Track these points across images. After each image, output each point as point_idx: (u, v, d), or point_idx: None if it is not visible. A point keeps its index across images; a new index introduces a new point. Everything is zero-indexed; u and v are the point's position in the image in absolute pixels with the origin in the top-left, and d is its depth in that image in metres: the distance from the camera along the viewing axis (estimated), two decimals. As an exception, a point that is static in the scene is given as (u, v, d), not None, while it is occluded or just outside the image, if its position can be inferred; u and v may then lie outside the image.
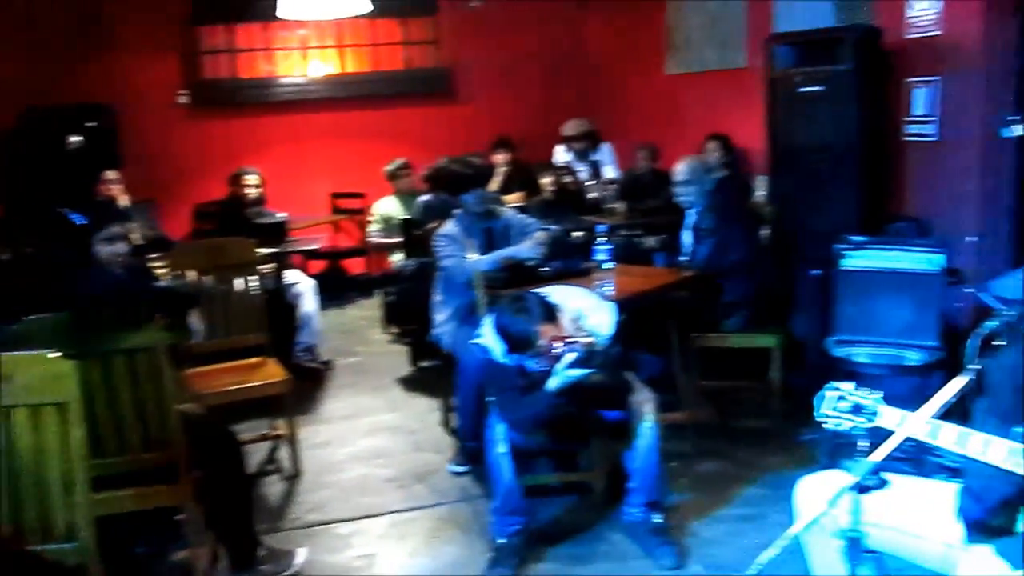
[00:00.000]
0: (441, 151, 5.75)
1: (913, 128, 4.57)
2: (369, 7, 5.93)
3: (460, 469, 3.86)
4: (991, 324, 1.69)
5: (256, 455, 4.06)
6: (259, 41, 7.66)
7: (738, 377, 4.43)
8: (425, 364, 5.30)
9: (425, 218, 5.25)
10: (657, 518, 3.16)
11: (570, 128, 6.91)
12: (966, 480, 1.90)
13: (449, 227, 4.10)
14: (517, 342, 2.88)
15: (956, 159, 4.35)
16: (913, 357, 3.28)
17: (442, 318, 4.15)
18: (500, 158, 7.04)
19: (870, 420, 1.94)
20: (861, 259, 3.50)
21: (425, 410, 4.67)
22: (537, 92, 8.10)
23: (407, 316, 5.40)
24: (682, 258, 4.35)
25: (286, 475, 3.94)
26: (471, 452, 3.80)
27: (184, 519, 2.96)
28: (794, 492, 2.20)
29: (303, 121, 7.67)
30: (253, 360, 4.03)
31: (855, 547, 1.70)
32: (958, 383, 1.68)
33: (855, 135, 4.31)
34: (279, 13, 6.00)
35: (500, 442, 3.02)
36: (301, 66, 7.77)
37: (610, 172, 6.86)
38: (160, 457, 2.74)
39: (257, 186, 5.61)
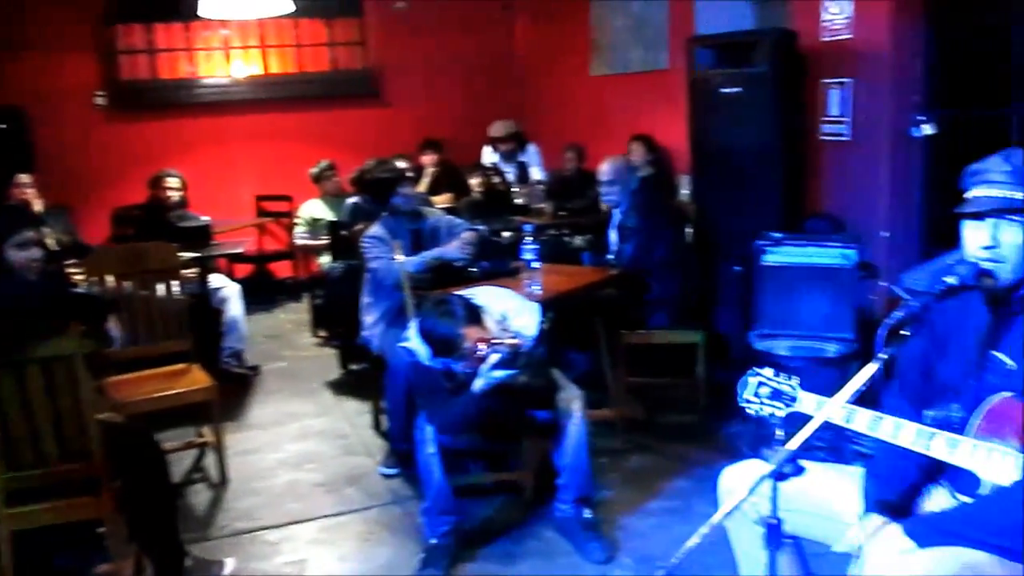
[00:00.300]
0: (368, 153, 5.69)
1: (828, 128, 4.72)
2: (292, 7, 5.85)
3: (391, 471, 3.85)
4: (898, 314, 1.76)
5: (182, 463, 3.98)
6: (180, 41, 7.49)
7: (665, 373, 4.52)
8: (355, 367, 5.27)
9: (352, 220, 5.22)
10: (587, 513, 3.20)
11: (496, 129, 6.96)
12: (875, 462, 1.98)
13: (376, 229, 4.08)
14: (442, 345, 2.88)
15: (868, 158, 4.51)
16: (831, 349, 3.40)
17: (371, 320, 4.12)
18: (428, 159, 7.04)
19: (789, 405, 2.02)
20: (779, 255, 3.60)
21: (355, 413, 4.64)
22: (464, 93, 8.12)
23: (335, 319, 5.37)
24: (608, 257, 4.41)
25: (213, 483, 3.86)
26: (402, 454, 3.79)
27: (106, 531, 2.88)
28: (718, 482, 2.25)
29: (226, 123, 7.53)
30: (177, 367, 3.94)
31: (774, 533, 1.74)
32: (869, 370, 1.75)
33: (773, 135, 4.43)
34: (200, 12, 5.88)
35: (429, 443, 3.02)
36: (224, 67, 7.63)
37: (536, 173, 6.92)
38: (79, 468, 2.66)
39: (179, 189, 5.48)
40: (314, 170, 6.47)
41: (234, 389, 4.94)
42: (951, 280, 1.80)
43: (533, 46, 8.24)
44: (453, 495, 3.12)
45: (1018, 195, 1.75)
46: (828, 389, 1.98)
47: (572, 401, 3.16)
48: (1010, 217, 1.76)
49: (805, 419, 1.83)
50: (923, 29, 4.32)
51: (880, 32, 4.39)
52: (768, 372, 2.09)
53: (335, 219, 5.90)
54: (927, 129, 4.32)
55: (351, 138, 7.47)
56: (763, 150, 4.46)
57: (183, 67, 7.53)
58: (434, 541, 3.07)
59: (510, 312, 3.09)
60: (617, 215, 4.40)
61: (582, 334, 4.26)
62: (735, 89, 4.56)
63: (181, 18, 7.25)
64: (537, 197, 6.22)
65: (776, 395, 2.05)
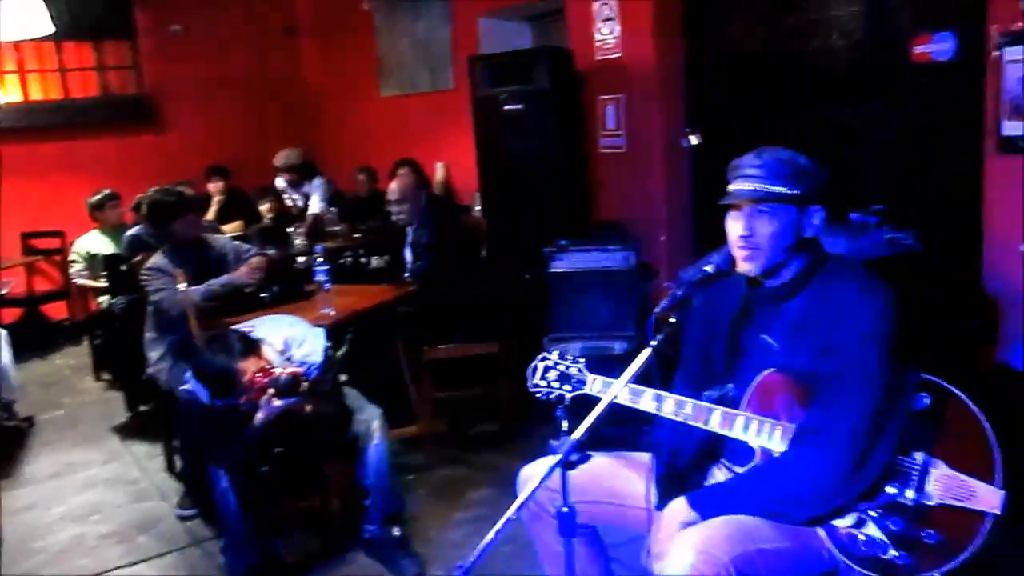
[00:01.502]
0: (147, 183, 5.36)
1: (606, 141, 4.99)
2: (51, 29, 5.44)
3: (188, 513, 3.64)
4: (664, 303, 1.88)
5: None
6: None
7: (468, 385, 4.57)
8: (143, 408, 4.95)
9: (132, 252, 4.92)
10: (396, 531, 3.17)
11: (279, 159, 6.88)
12: (660, 439, 2.09)
13: (157, 259, 3.86)
14: (218, 384, 2.73)
15: (643, 168, 4.80)
16: (617, 347, 3.57)
17: (156, 356, 3.89)
18: (214, 187, 6.78)
19: (578, 388, 2.10)
20: (566, 262, 3.75)
21: (145, 457, 4.37)
22: (249, 118, 7.89)
23: (119, 359, 5.01)
24: (405, 275, 4.42)
25: (-18, 549, 3.50)
26: (199, 493, 3.60)
27: None
28: (517, 481, 2.28)
29: (-20, 155, 6.88)
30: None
31: (566, 522, 1.79)
32: (643, 356, 1.85)
33: (555, 149, 4.62)
34: (-56, 36, 5.34)
35: (225, 478, 2.88)
36: (-25, 95, 6.98)
37: (315, 205, 6.82)
38: None
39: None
40: (92, 200, 6.02)
41: (5, 445, 4.50)
42: (708, 268, 1.93)
43: (321, 69, 8.14)
44: (255, 529, 3.00)
45: (769, 187, 1.90)
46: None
47: (371, 421, 3.13)
48: (761, 208, 1.91)
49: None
50: (681, 48, 4.66)
51: (645, 51, 4.70)
52: (555, 356, 2.15)
53: (112, 252, 5.53)
54: (694, 140, 4.66)
55: (127, 168, 7.03)
56: (547, 164, 4.64)
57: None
58: (237, 578, 2.94)
59: (292, 339, 2.98)
60: (410, 233, 4.43)
61: (383, 353, 4.22)
62: (517, 106, 4.72)
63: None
64: (332, 219, 6.13)
65: (564, 378, 2.12)
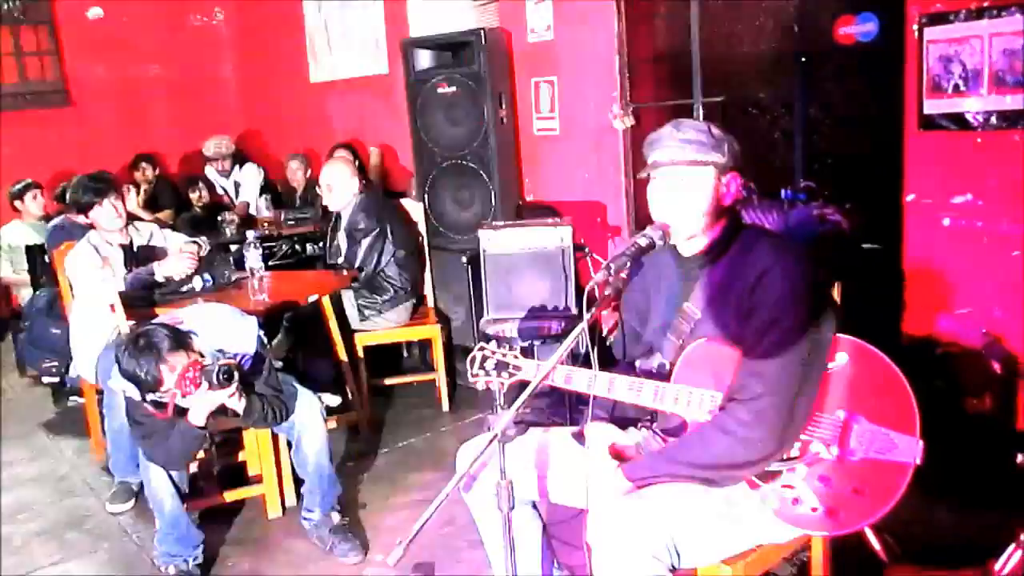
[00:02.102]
0: (70, 172, 5.24)
1: (541, 123, 4.99)
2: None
3: (121, 508, 3.55)
4: (597, 277, 1.89)
5: None
6: None
7: (407, 370, 4.56)
8: (72, 403, 4.81)
9: (56, 242, 4.75)
10: (336, 517, 3.15)
11: (208, 148, 6.75)
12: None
13: (82, 247, 3.74)
14: (146, 383, 2.61)
15: (577, 149, 4.82)
16: (555, 326, 3.58)
17: (83, 348, 3.78)
18: (140, 175, 6.60)
19: (514, 375, 2.13)
20: (501, 241, 3.74)
21: (75, 453, 4.25)
22: (176, 105, 7.70)
23: (44, 354, 4.85)
24: (340, 260, 4.36)
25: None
26: (130, 487, 3.52)
27: None
28: (457, 460, 2.28)
29: None
30: None
31: (506, 496, 1.80)
32: (576, 332, 1.86)
33: (490, 131, 4.59)
34: None
35: (157, 469, 2.82)
36: None
37: (247, 192, 6.70)
38: None
39: None
40: (13, 189, 5.83)
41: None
42: (641, 241, 1.95)
43: (250, 55, 7.97)
44: (191, 520, 2.94)
45: (686, 156, 1.93)
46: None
47: (308, 409, 3.08)
48: (679, 176, 1.94)
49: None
50: (615, 31, 4.68)
51: (576, 33, 4.71)
52: (492, 346, 2.19)
53: (34, 243, 5.35)
54: (626, 121, 4.69)
55: (48, 157, 6.79)
56: (481, 146, 4.62)
57: None
58: (172, 571, 2.88)
59: (223, 330, 2.90)
60: (344, 219, 4.37)
61: (320, 340, 4.17)
62: (451, 89, 4.68)
63: None
64: (265, 207, 6.02)
65: (501, 366, 2.14)
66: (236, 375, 2.63)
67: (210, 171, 6.79)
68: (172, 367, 2.57)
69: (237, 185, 6.76)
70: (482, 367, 2.17)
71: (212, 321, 2.92)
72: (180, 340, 2.66)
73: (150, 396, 2.66)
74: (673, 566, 1.83)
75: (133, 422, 2.86)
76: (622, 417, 2.15)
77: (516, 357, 2.16)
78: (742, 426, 1.83)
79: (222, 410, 2.76)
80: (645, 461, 1.99)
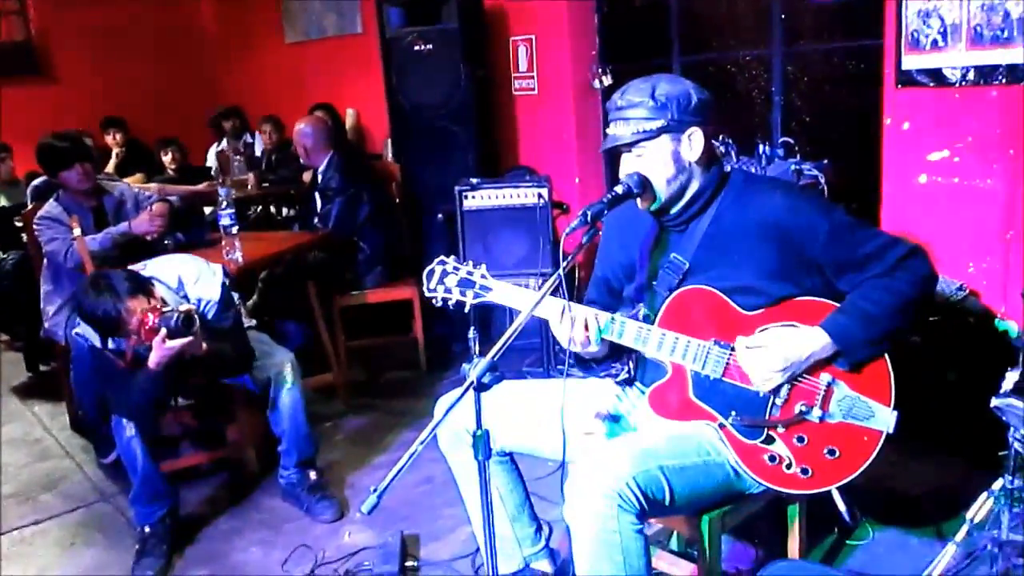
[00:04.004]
0: (40, 134, 5.12)
1: (519, 83, 4.94)
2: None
3: (113, 457, 3.48)
4: (572, 225, 1.85)
5: None
6: None
7: (383, 332, 4.53)
8: (45, 368, 4.76)
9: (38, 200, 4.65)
10: (312, 475, 3.13)
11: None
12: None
13: (50, 207, 3.66)
14: (106, 325, 2.58)
15: (555, 110, 4.78)
16: (532, 284, 3.56)
17: (53, 310, 3.72)
18: (112, 139, 6.49)
19: (480, 295, 2.00)
20: (478, 199, 3.71)
21: (48, 416, 4.22)
22: (147, 67, 7.56)
23: (15, 317, 4.79)
24: (315, 220, 4.31)
25: None
26: (106, 444, 3.49)
27: None
28: (435, 411, 2.24)
29: None
30: None
31: (482, 446, 1.76)
32: (552, 280, 1.82)
33: (465, 90, 4.54)
34: None
35: (128, 427, 2.78)
36: None
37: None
38: None
39: None
40: (-19, 153, 5.71)
41: None
42: (618, 189, 1.92)
43: (223, 15, 7.82)
44: (164, 478, 2.91)
45: (636, 126, 1.89)
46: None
47: (283, 365, 3.05)
48: (636, 149, 1.91)
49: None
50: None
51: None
52: (453, 260, 2.04)
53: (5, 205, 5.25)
54: (605, 80, 4.65)
55: (17, 119, 6.61)
56: (458, 105, 4.56)
57: None
58: (148, 529, 2.85)
59: (186, 277, 2.86)
60: (319, 179, 4.31)
61: (296, 302, 4.13)
62: (426, 47, 4.61)
63: None
64: (239, 168, 5.93)
65: (466, 284, 2.01)
66: (196, 323, 2.59)
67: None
68: (131, 310, 2.54)
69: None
70: (441, 282, 2.02)
71: (175, 268, 2.89)
72: (140, 284, 2.62)
73: (111, 343, 2.63)
74: (643, 513, 1.79)
75: (95, 371, 2.82)
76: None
77: (483, 276, 2.01)
78: (902, 259, 1.86)
79: (187, 359, 2.70)
80: (848, 324, 1.86)
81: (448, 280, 2.02)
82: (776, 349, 1.84)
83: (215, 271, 2.91)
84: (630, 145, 1.91)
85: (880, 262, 1.86)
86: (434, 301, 2.05)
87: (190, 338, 2.58)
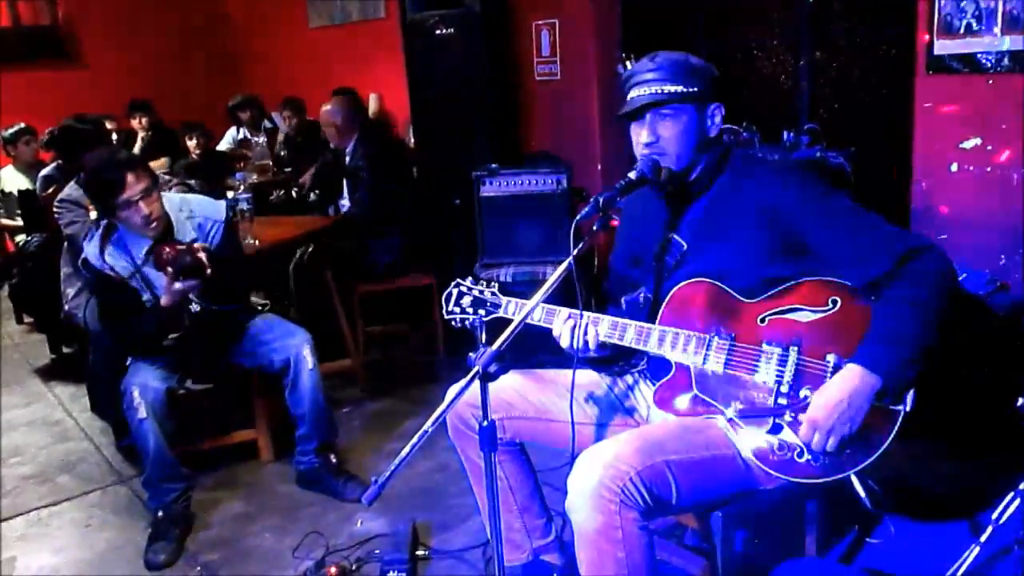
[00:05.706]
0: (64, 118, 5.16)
1: (542, 68, 4.87)
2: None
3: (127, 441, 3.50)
4: (584, 210, 1.81)
5: None
6: None
7: (402, 318, 4.51)
8: (68, 350, 4.79)
9: (45, 190, 4.69)
10: (333, 459, 3.12)
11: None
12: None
13: (70, 190, 3.68)
14: (109, 181, 2.67)
15: (578, 95, 4.71)
16: (550, 272, 3.51)
17: (73, 291, 3.73)
18: (137, 123, 6.51)
19: (492, 312, 2.06)
20: (496, 186, 3.66)
21: (69, 398, 4.24)
22: (172, 51, 7.60)
23: (39, 299, 4.82)
24: (342, 203, 4.30)
25: None
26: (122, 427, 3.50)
27: None
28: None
29: None
30: None
31: (487, 435, 1.73)
32: (561, 268, 1.78)
33: (486, 74, 4.49)
34: None
35: (141, 408, 2.78)
36: None
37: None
38: None
39: None
40: (6, 134, 5.72)
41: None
42: (631, 175, 1.88)
43: (248, 0, 7.82)
44: (177, 462, 2.91)
45: (666, 88, 1.85)
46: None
47: (301, 347, 3.04)
48: (662, 111, 1.87)
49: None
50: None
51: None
52: (468, 282, 2.12)
53: (25, 188, 5.27)
54: (630, 65, 4.56)
55: (42, 103, 6.65)
56: (478, 89, 4.51)
57: None
58: (161, 512, 2.86)
59: (194, 200, 3.03)
60: (347, 163, 4.29)
61: (316, 287, 4.11)
62: (448, 30, 4.56)
63: None
64: (259, 154, 5.93)
65: (478, 303, 2.08)
66: (200, 276, 2.65)
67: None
68: (138, 178, 2.68)
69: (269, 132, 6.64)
70: (458, 303, 2.10)
71: (184, 196, 3.08)
72: (137, 159, 2.82)
73: (107, 218, 2.80)
74: (648, 511, 1.74)
75: (100, 297, 2.91)
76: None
77: (493, 294, 2.09)
78: (912, 254, 1.75)
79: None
80: (880, 351, 1.73)
81: (463, 301, 2.10)
82: (824, 421, 1.73)
83: (220, 201, 3.08)
84: (659, 107, 1.87)
85: (887, 255, 1.75)
86: (453, 323, 2.12)
87: (197, 282, 2.66)
